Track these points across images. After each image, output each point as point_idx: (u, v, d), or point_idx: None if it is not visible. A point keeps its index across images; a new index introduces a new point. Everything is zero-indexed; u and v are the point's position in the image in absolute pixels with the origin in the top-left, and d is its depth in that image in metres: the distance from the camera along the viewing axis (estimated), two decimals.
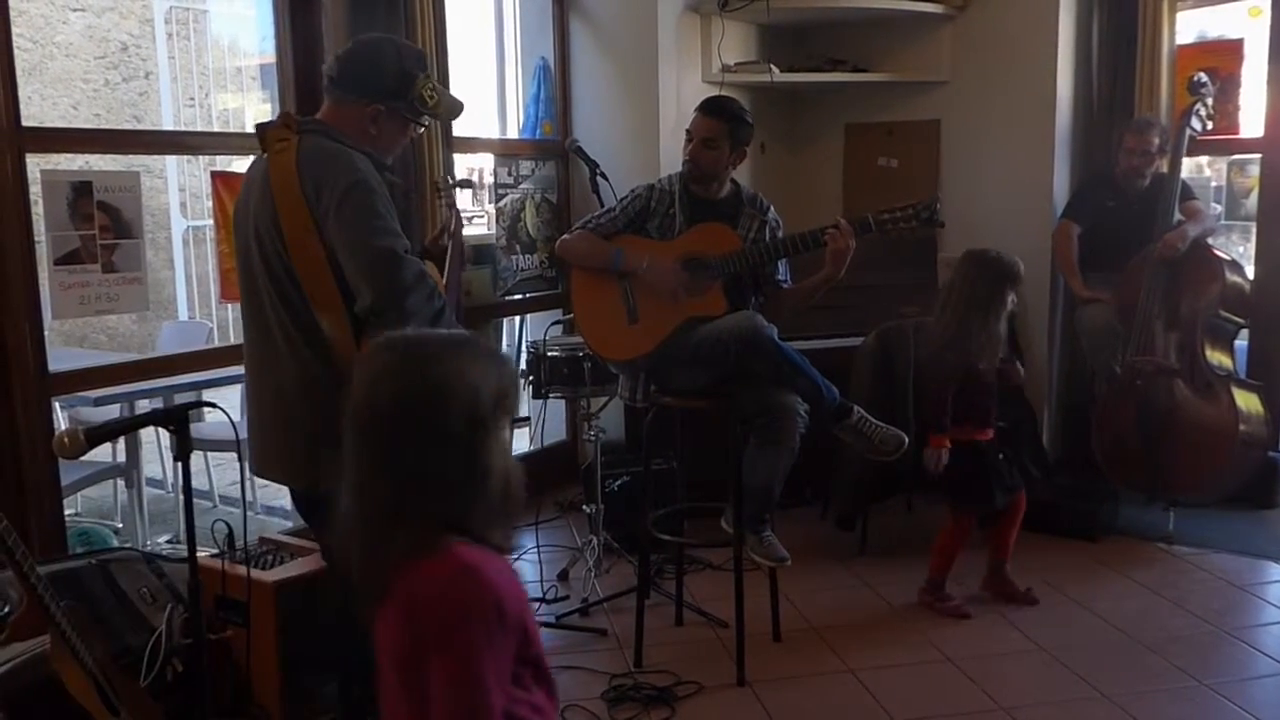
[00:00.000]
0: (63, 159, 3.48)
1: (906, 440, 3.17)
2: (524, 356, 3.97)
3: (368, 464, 1.49)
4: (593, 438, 3.84)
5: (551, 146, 4.83)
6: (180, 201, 7.70)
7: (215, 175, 3.54)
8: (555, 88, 4.87)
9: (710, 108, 3.30)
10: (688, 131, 3.30)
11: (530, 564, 4.01)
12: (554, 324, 4.05)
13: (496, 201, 4.65)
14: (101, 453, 3.26)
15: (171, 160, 7.61)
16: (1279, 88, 4.50)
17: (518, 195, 4.69)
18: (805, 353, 3.18)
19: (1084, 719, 2.91)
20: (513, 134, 5.04)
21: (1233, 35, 4.94)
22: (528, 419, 4.51)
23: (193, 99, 8.27)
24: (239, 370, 3.80)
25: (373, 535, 1.47)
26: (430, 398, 1.46)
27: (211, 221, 5.07)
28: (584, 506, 3.99)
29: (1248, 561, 3.98)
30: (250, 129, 8.00)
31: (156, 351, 5.97)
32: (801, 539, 4.11)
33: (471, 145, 4.81)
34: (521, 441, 4.93)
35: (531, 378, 3.80)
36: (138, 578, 2.91)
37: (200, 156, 6.49)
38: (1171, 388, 4.16)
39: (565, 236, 3.43)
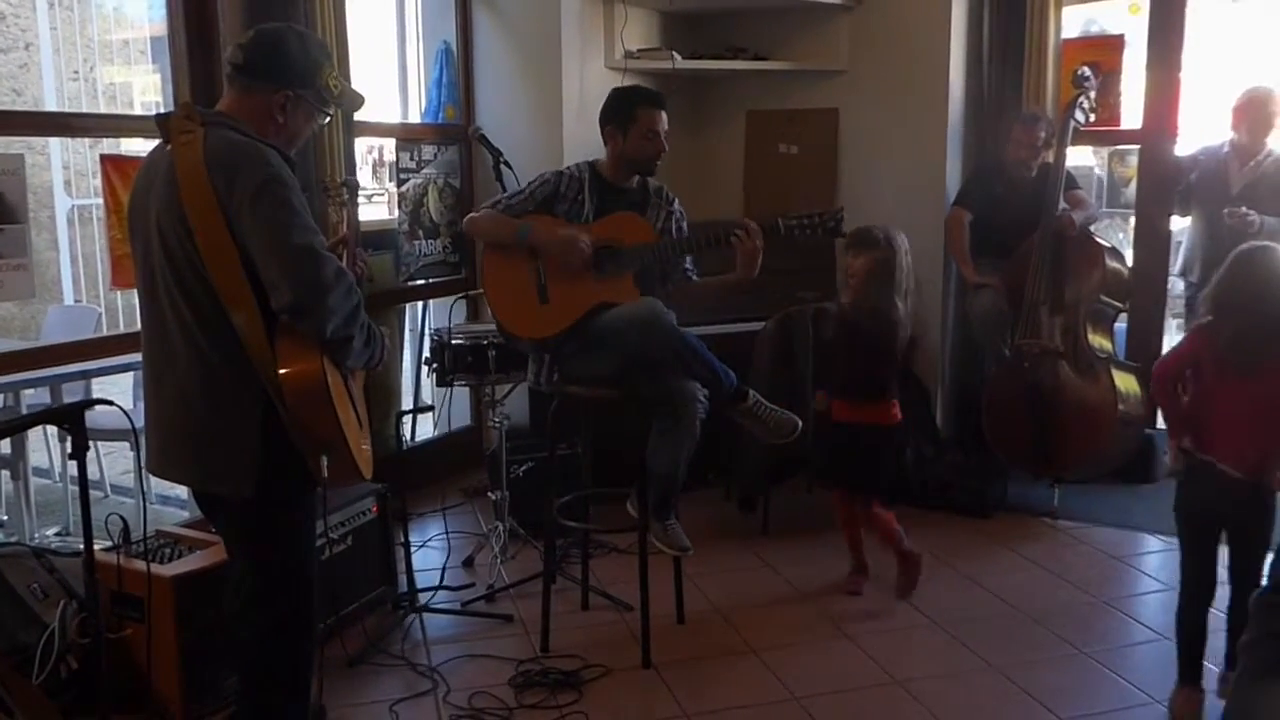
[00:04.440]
0: None
1: (800, 424, 3.26)
2: (427, 344, 3.94)
3: None
4: (498, 424, 3.84)
5: (454, 131, 4.80)
6: (64, 180, 7.41)
7: (105, 159, 3.41)
8: (458, 72, 4.82)
9: (664, 100, 3.35)
10: (654, 131, 3.29)
11: (436, 551, 4.00)
12: (459, 297, 4.02)
13: (399, 186, 4.60)
14: None
15: (55, 137, 7.31)
16: (1156, 81, 4.71)
17: (420, 180, 4.65)
18: (705, 338, 3.23)
19: (973, 688, 3.04)
20: (414, 117, 4.98)
21: (1114, 31, 5.14)
22: (432, 407, 4.49)
23: (77, 72, 7.97)
24: (130, 358, 3.73)
25: None
26: None
27: (100, 201, 4.90)
28: (489, 493, 3.99)
29: (1126, 534, 4.19)
30: (139, 105, 7.66)
31: (41, 336, 5.76)
32: (704, 521, 4.20)
33: (373, 129, 4.75)
34: (425, 428, 4.91)
35: (436, 366, 3.78)
36: (27, 574, 2.84)
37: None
38: (1056, 369, 4.34)
39: (474, 214, 3.41)
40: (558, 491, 3.48)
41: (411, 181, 4.61)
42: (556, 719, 2.88)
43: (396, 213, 4.63)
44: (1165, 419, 3.00)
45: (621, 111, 3.32)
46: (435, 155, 4.71)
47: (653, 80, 4.82)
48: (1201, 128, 5.10)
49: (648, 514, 3.22)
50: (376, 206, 6.90)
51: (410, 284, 4.65)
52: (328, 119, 2.41)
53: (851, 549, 3.72)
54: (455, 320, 3.88)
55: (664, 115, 3.31)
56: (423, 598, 3.50)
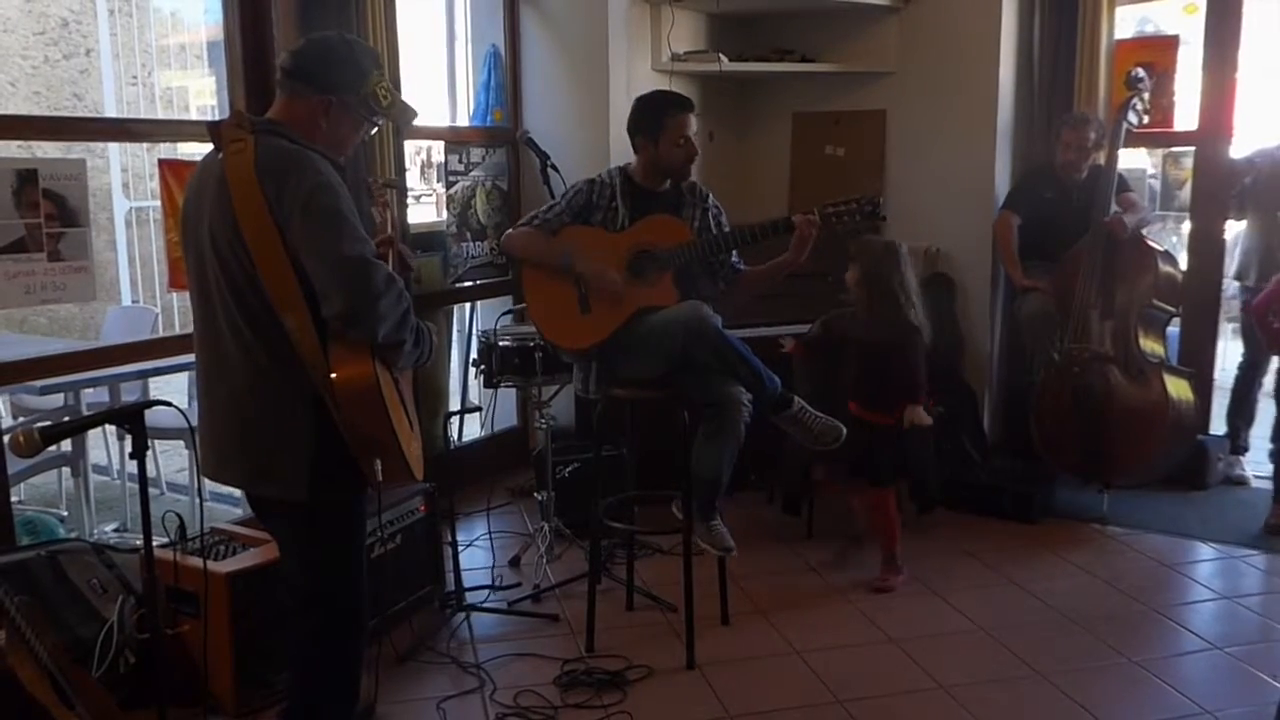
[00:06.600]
0: (9, 145, 3.42)
1: (845, 431, 3.26)
2: (475, 346, 3.98)
3: None
4: (544, 426, 3.87)
5: (502, 134, 4.84)
6: (122, 182, 7.58)
7: (163, 163, 3.50)
8: (506, 75, 4.87)
9: (690, 104, 3.37)
10: (684, 137, 3.30)
11: (482, 550, 4.04)
12: (505, 314, 4.08)
13: (447, 188, 4.66)
14: None
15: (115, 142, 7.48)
16: (1212, 82, 4.64)
17: (468, 182, 4.70)
18: (750, 341, 3.25)
19: (1019, 696, 3.01)
20: (463, 120, 5.03)
21: (1169, 31, 5.07)
22: (479, 408, 4.54)
23: (135, 77, 8.13)
24: (186, 359, 3.81)
25: None
26: None
27: (157, 204, 5.01)
28: (535, 493, 4.03)
29: (1177, 541, 4.13)
30: (194, 109, 7.78)
31: (100, 335, 5.90)
32: (748, 523, 4.20)
33: (422, 132, 4.81)
34: (472, 428, 4.96)
35: (483, 368, 3.82)
36: (87, 569, 2.92)
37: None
38: (1107, 374, 4.28)
39: (510, 232, 3.44)
40: (603, 492, 3.51)
41: (460, 184, 4.66)
42: (601, 718, 2.90)
43: (445, 214, 4.68)
44: (1262, 334, 4.13)
45: (649, 120, 3.33)
46: (483, 158, 4.76)
47: (699, 82, 4.83)
48: (1258, 129, 5.01)
49: (692, 515, 3.24)
50: (424, 207, 6.97)
51: (458, 285, 4.70)
52: (376, 129, 2.43)
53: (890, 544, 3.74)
54: (502, 322, 3.92)
55: (692, 119, 3.32)
56: (470, 596, 3.54)
